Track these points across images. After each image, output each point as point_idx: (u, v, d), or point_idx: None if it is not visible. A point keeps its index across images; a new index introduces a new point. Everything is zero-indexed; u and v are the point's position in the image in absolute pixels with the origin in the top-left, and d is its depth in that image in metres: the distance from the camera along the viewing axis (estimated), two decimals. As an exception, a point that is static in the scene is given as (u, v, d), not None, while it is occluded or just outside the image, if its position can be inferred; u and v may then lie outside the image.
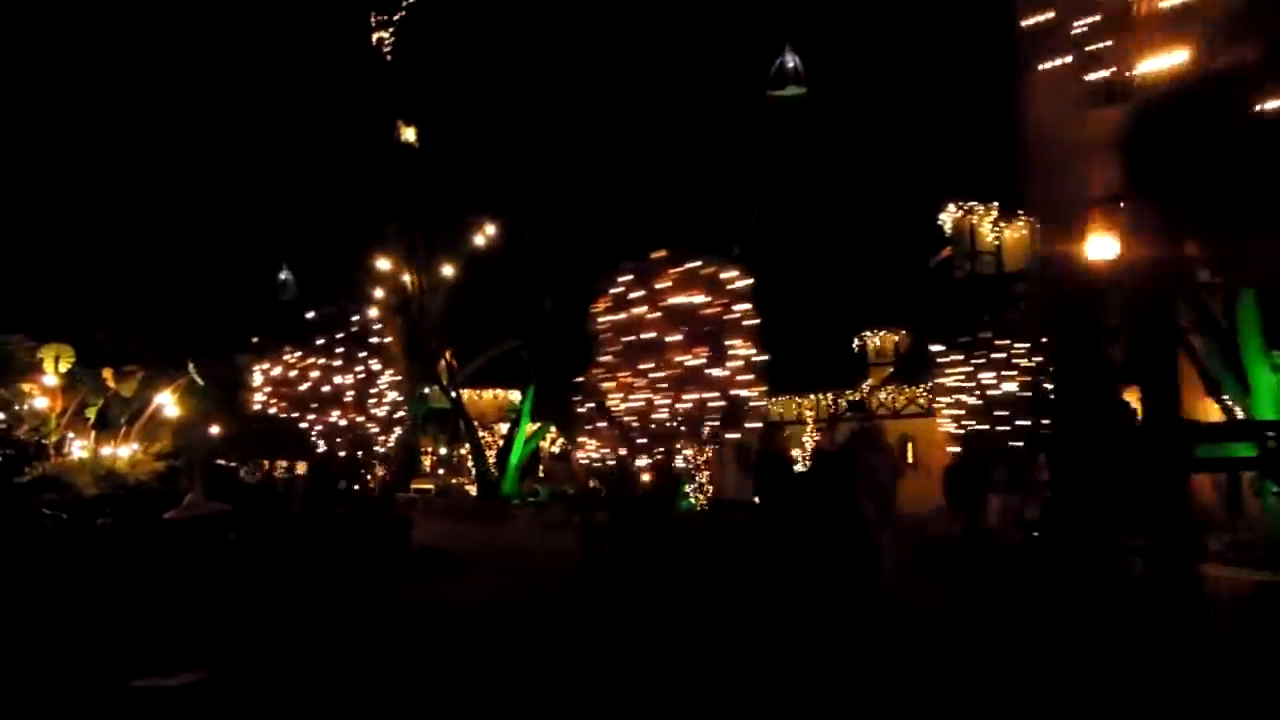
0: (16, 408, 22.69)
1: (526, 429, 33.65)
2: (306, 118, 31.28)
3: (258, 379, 23.29)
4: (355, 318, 31.56)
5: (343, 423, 26.45)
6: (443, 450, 50.97)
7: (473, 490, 38.01)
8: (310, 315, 25.39)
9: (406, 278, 33.74)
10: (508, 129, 29.18)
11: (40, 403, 23.33)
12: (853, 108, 33.11)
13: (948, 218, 30.62)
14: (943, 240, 30.85)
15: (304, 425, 23.59)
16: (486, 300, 36.59)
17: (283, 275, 38.53)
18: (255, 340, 22.60)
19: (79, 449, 23.60)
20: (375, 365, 28.50)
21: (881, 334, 31.09)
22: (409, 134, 26.55)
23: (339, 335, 26.52)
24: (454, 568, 17.10)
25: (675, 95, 27.36)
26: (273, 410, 23.54)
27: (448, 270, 32.04)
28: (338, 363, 31.92)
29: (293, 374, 23.05)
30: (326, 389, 25.14)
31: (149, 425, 22.92)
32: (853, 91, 33.63)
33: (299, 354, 25.06)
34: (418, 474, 44.27)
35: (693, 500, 26.03)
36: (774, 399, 33.20)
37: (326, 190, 32.50)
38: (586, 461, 23.55)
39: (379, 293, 35.30)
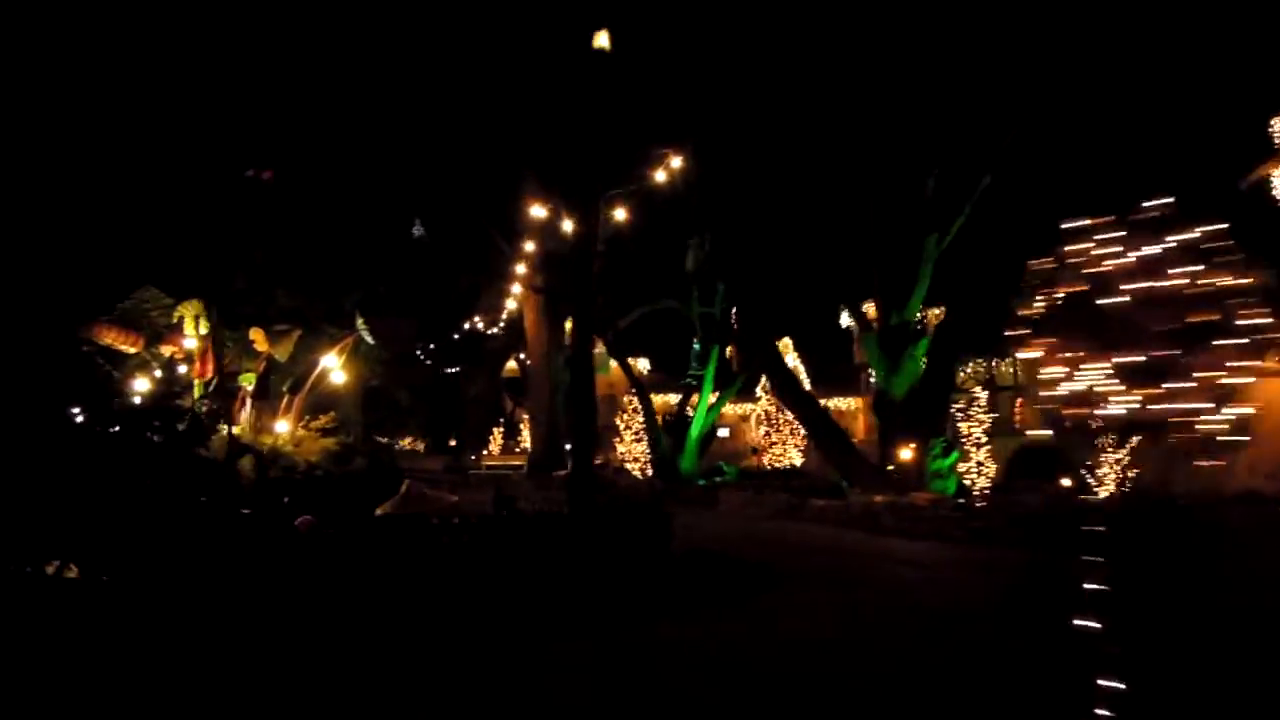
0: (158, 375, 18.87)
1: (709, 397, 29.02)
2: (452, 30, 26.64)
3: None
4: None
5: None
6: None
7: (632, 469, 33.69)
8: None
9: (567, 224, 29.25)
10: (705, 39, 24.25)
11: (181, 370, 19.47)
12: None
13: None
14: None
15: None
16: (652, 250, 32.08)
17: (416, 229, 34.39)
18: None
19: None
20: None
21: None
22: (602, 39, 21.85)
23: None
24: (757, 582, 12.58)
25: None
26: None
27: (620, 214, 27.37)
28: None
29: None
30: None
31: (311, 394, 18.93)
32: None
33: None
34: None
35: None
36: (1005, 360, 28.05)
37: (472, 118, 28.04)
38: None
39: (529, 245, 31.11)
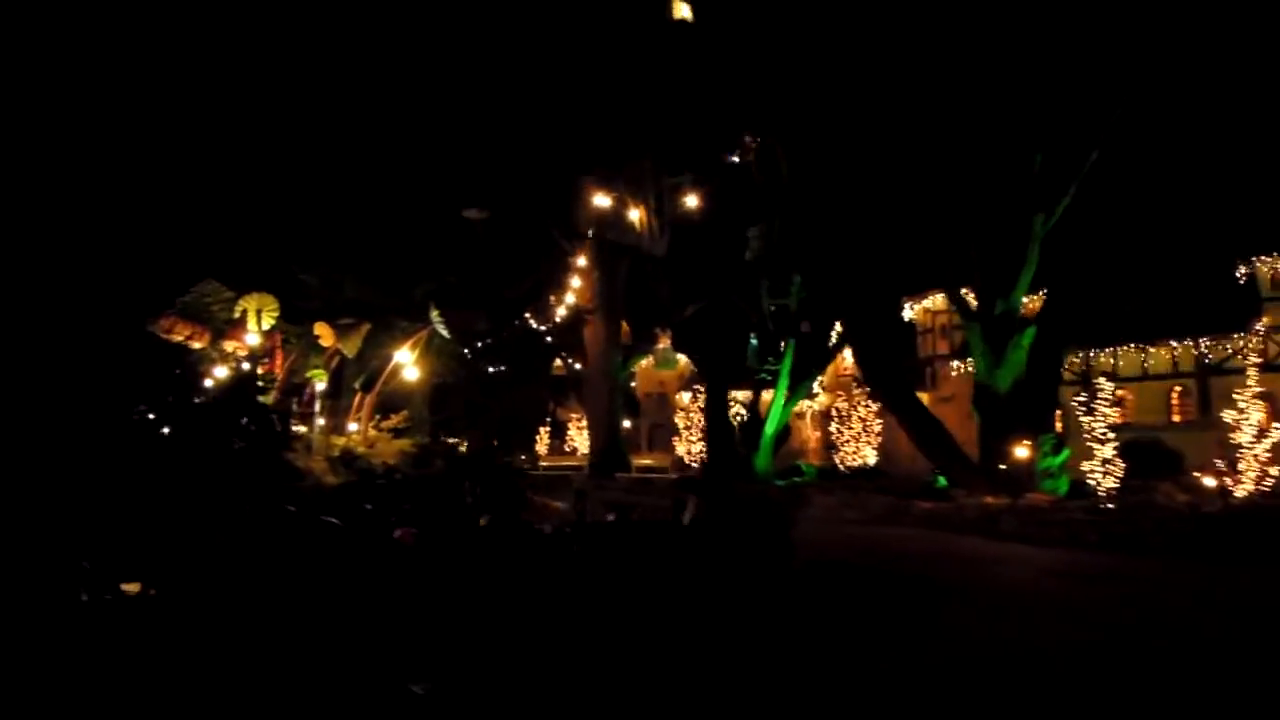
0: (220, 374, 17.67)
1: (784, 393, 27.49)
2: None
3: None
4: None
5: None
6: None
7: (698, 465, 32.23)
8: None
9: (635, 213, 27.90)
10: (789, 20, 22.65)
11: (245, 366, 18.25)
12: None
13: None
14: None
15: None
16: (707, 243, 30.49)
17: (472, 212, 32.78)
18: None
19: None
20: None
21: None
22: (684, 9, 20.42)
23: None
24: (918, 600, 11.09)
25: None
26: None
27: (691, 200, 25.95)
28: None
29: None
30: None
31: (383, 392, 17.66)
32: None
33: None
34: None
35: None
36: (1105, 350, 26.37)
37: (535, 100, 26.61)
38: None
39: (590, 233, 29.76)
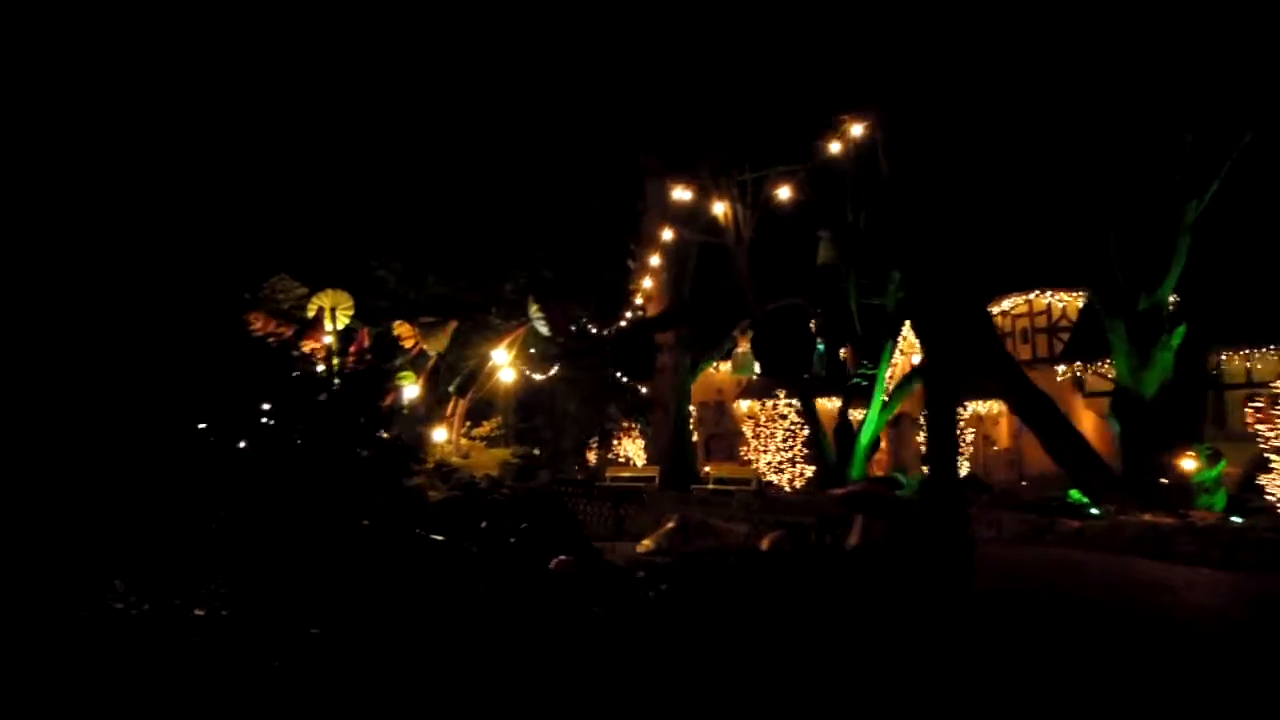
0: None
1: (880, 399, 25.51)
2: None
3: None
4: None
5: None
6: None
7: (778, 481, 30.26)
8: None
9: (720, 208, 26.02)
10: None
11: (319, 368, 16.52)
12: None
13: None
14: None
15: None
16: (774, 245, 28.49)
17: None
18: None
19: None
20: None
21: None
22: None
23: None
24: (1130, 642, 9.12)
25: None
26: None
27: (784, 193, 24.05)
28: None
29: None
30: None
31: (474, 397, 15.89)
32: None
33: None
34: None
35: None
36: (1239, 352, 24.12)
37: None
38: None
39: (667, 233, 27.91)
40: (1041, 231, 23.80)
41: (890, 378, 26.81)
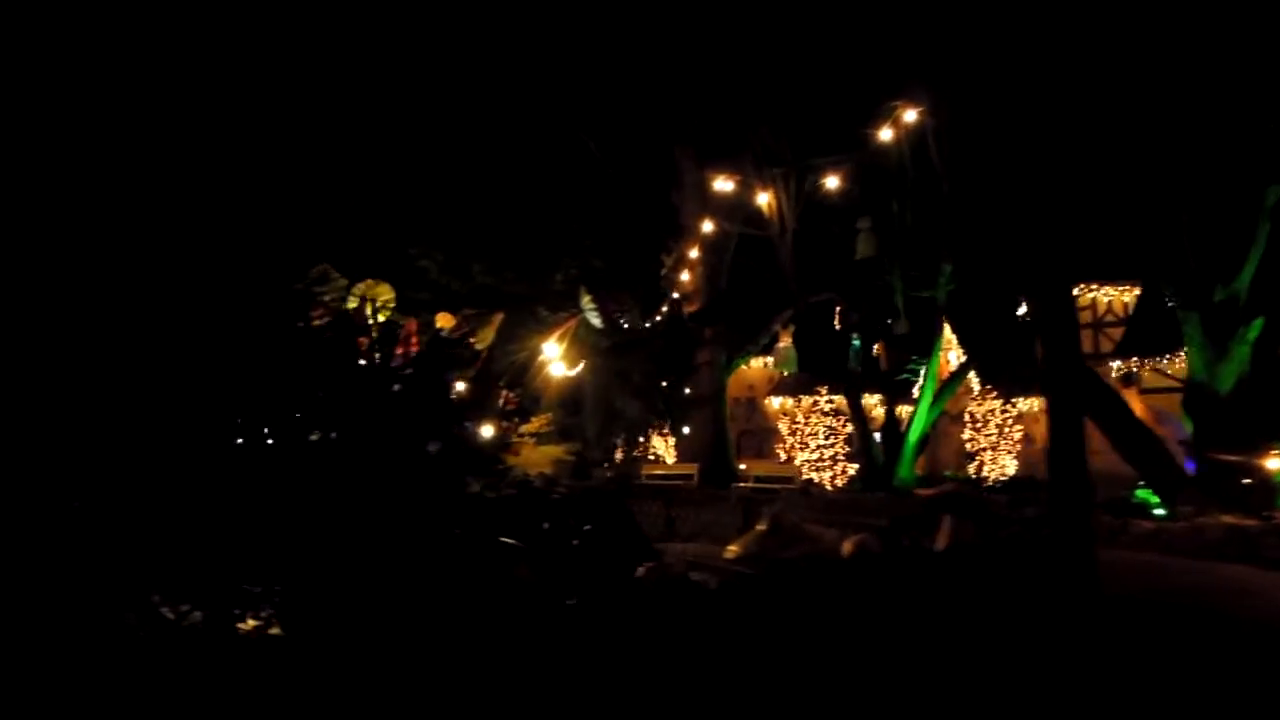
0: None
1: (930, 394, 24.68)
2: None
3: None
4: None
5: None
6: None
7: (819, 479, 29.52)
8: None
9: (764, 198, 25.23)
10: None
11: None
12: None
13: None
14: None
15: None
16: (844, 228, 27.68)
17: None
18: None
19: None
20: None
21: None
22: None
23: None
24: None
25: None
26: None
27: (832, 182, 23.24)
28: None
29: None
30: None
31: (525, 391, 15.19)
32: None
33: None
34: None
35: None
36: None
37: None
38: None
39: (707, 225, 27.11)
40: (1086, 224, 22.93)
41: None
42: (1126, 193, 20.15)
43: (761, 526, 9.33)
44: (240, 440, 7.20)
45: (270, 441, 7.47)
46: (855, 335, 34.02)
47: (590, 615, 7.13)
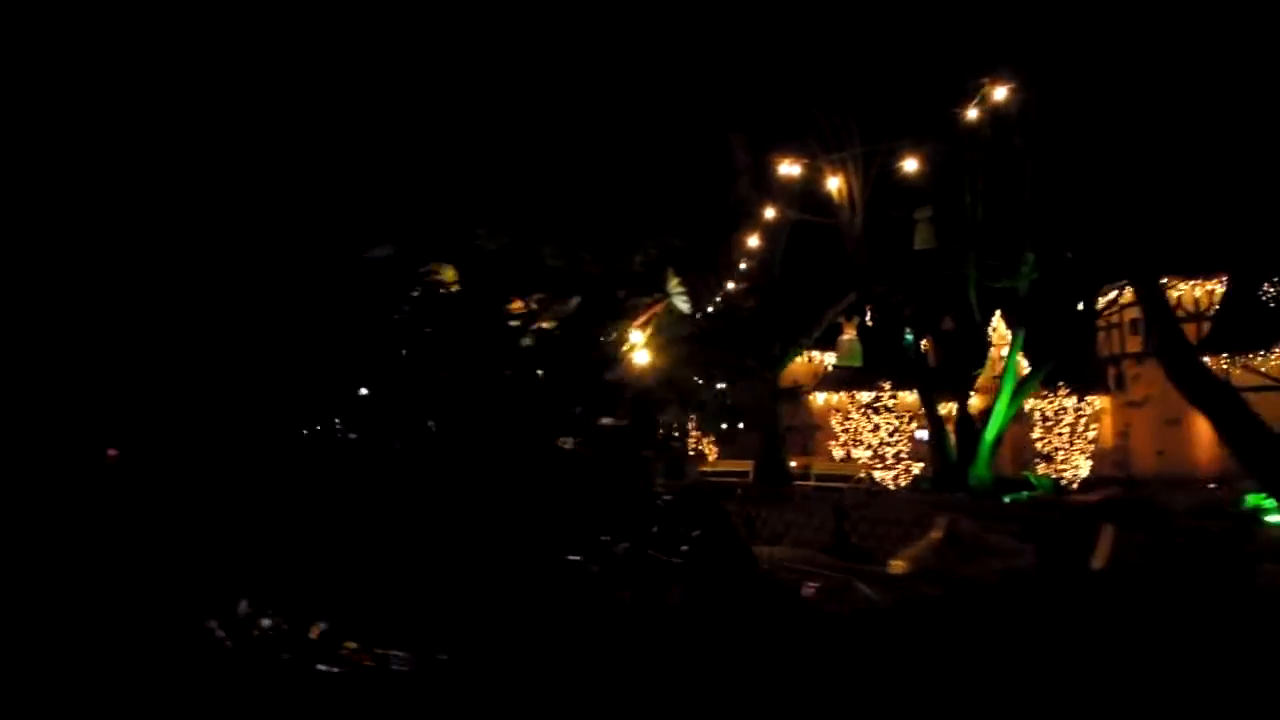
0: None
1: (1009, 391, 23.38)
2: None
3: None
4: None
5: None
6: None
7: (885, 479, 28.24)
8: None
9: (836, 183, 23.97)
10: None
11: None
12: None
13: None
14: None
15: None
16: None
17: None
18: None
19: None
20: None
21: None
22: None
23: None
24: None
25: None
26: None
27: (911, 165, 21.88)
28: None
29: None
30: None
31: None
32: None
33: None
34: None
35: None
36: None
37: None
38: None
39: (769, 211, 25.86)
40: (1159, 216, 21.66)
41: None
42: (1219, 178, 18.90)
43: (936, 535, 8.16)
44: (353, 435, 6.16)
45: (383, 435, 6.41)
46: (908, 330, 32.77)
47: (757, 643, 6.01)
